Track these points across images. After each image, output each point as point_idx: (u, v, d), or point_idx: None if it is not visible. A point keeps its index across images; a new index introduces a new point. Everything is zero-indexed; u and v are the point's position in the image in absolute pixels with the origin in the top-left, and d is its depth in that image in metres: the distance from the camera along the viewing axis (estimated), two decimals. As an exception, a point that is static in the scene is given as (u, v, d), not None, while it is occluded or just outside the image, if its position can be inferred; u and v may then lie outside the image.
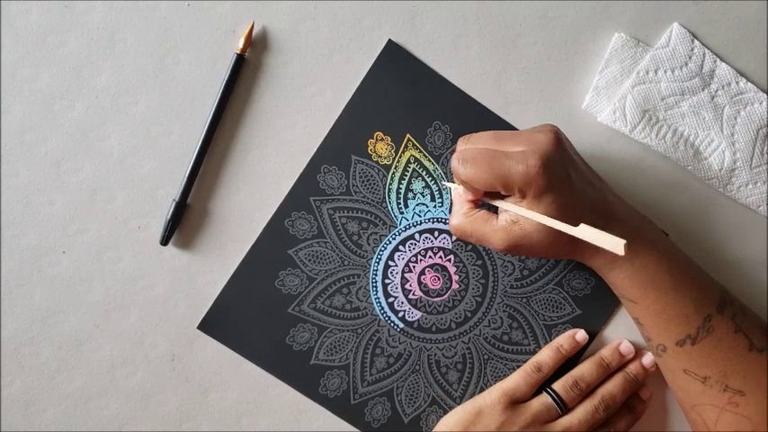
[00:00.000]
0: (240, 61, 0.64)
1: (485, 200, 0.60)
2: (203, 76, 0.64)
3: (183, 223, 0.65)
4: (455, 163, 0.57)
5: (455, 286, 0.66)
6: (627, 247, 0.49)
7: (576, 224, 0.50)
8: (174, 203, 0.64)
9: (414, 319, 0.66)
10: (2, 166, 0.64)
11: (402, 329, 0.66)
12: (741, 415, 0.59)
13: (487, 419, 0.63)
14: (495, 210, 0.59)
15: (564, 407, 0.64)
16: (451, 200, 0.64)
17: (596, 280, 0.66)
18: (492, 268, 0.66)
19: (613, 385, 0.65)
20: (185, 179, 0.64)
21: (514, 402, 0.64)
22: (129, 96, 0.64)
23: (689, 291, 0.59)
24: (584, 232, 0.50)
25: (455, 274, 0.66)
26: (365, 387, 0.67)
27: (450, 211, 0.65)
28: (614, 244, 0.47)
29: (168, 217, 0.64)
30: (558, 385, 0.65)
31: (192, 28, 0.64)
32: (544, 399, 0.64)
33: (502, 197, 0.58)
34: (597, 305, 0.67)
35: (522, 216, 0.56)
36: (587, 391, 0.65)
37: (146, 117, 0.64)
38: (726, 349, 0.59)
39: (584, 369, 0.65)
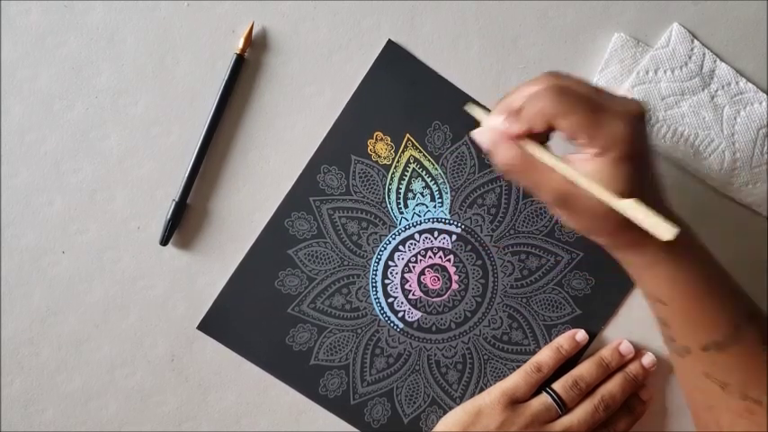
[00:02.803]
0: (240, 61, 0.64)
1: (528, 150, 0.52)
2: (203, 76, 0.64)
3: (182, 223, 0.65)
4: (545, 91, 0.50)
5: (455, 286, 0.66)
6: (669, 243, 0.47)
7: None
8: (174, 203, 0.64)
9: (413, 320, 0.66)
10: (1, 166, 0.64)
11: (402, 330, 0.66)
12: (756, 423, 0.58)
13: (487, 419, 0.63)
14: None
15: (563, 407, 0.63)
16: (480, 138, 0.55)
17: (596, 280, 0.66)
18: (492, 268, 0.66)
19: (613, 385, 0.65)
20: (185, 179, 0.64)
21: (514, 402, 0.64)
22: (129, 96, 0.64)
23: (723, 299, 0.58)
24: (638, 208, 0.48)
25: (455, 274, 0.66)
26: (365, 387, 0.66)
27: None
28: (666, 229, 0.46)
29: (168, 217, 0.64)
30: (557, 385, 0.64)
31: (191, 28, 0.64)
32: (544, 399, 0.64)
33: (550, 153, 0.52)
34: (597, 305, 0.67)
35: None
36: (587, 391, 0.65)
37: (145, 117, 0.64)
38: (751, 360, 0.58)
39: (584, 369, 0.65)
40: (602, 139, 0.50)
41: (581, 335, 0.66)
